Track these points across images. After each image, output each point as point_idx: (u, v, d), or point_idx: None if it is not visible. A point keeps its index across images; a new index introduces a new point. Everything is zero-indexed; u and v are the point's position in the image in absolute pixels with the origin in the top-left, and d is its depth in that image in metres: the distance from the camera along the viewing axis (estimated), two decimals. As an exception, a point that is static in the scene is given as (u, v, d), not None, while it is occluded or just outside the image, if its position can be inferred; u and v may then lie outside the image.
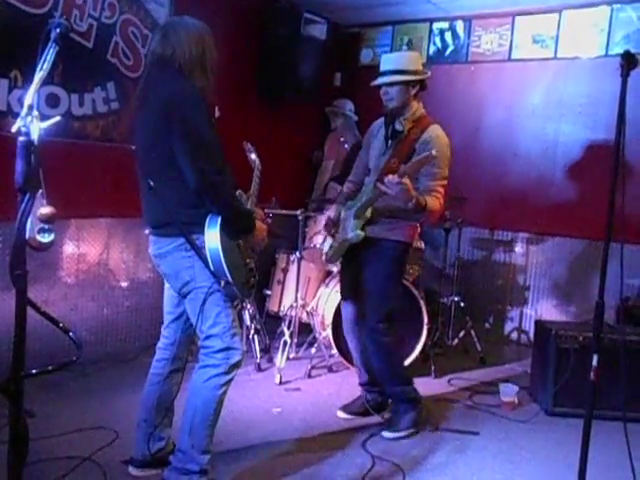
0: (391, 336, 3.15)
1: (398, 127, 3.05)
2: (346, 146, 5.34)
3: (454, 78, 5.22)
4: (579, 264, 4.76)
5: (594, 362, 2.21)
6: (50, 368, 1.55)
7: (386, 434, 3.12)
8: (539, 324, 3.85)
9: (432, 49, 5.40)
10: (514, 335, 5.09)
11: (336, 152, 5.44)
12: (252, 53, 4.95)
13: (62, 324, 1.60)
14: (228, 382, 2.37)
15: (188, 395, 2.40)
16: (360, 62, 5.87)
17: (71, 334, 1.61)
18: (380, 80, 3.04)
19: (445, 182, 2.99)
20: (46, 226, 1.48)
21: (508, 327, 5.13)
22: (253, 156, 3.01)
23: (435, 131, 3.00)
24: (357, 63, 5.87)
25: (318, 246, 4.29)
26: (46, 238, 1.49)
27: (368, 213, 3.04)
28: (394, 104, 3.04)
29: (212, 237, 2.27)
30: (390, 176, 2.67)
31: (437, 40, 5.37)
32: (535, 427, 3.38)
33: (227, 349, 2.35)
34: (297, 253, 4.19)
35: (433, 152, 2.61)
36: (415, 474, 2.77)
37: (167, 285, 2.58)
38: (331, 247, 3.31)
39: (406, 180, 2.66)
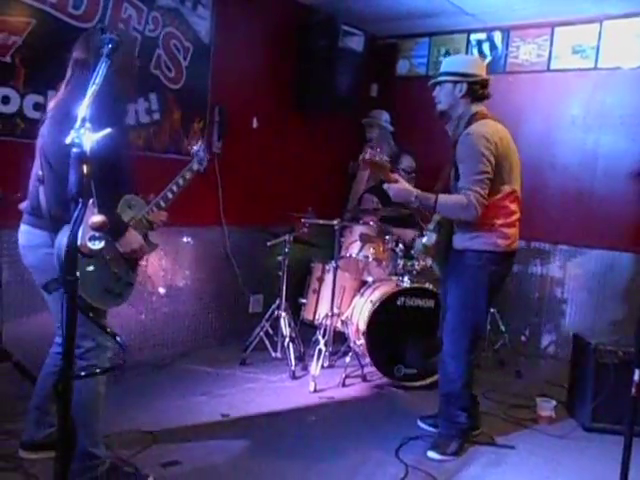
0: (469, 357, 3.07)
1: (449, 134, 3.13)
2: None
3: (492, 89, 5.19)
4: (619, 277, 4.67)
5: (635, 377, 2.17)
6: (98, 371, 1.59)
7: (431, 454, 3.02)
8: (577, 338, 3.79)
9: (470, 60, 5.39)
10: (551, 349, 5.02)
11: (372, 162, 5.46)
12: (290, 65, 5.02)
13: (109, 329, 1.66)
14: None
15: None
16: (397, 73, 5.88)
17: (118, 339, 1.66)
18: (431, 81, 3.14)
19: (479, 177, 2.85)
20: (96, 234, 1.54)
21: (545, 340, 5.06)
22: (196, 167, 2.76)
23: (474, 127, 2.93)
24: (394, 74, 5.89)
25: (353, 256, 4.32)
26: (96, 245, 1.55)
27: (432, 223, 3.08)
28: (441, 107, 3.07)
29: (62, 238, 2.19)
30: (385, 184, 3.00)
31: (475, 51, 5.36)
32: (573, 443, 3.32)
33: (89, 350, 2.37)
34: (333, 262, 4.21)
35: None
36: (449, 486, 2.77)
37: None
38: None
39: (397, 185, 2.99)
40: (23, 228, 2.49)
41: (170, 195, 2.67)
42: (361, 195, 5.00)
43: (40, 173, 2.37)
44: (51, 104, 2.55)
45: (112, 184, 2.33)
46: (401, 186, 3.00)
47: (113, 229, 2.34)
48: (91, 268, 2.31)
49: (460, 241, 3.03)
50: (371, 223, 4.38)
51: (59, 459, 1.65)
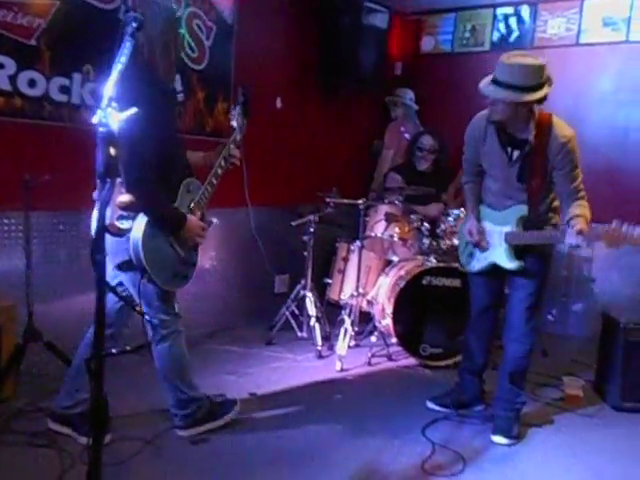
0: (536, 336, 3.15)
1: (518, 135, 2.83)
2: (406, 136, 5.31)
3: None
4: (650, 256, 4.58)
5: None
6: (128, 348, 1.62)
7: (498, 439, 2.99)
8: (606, 317, 3.74)
9: (496, 35, 5.27)
10: (578, 328, 4.95)
11: (396, 142, 5.41)
12: (313, 44, 4.98)
13: (139, 307, 1.68)
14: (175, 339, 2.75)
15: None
16: (421, 50, 5.80)
17: (147, 317, 1.68)
18: (495, 94, 2.71)
19: (581, 178, 2.85)
20: (124, 213, 1.56)
21: (572, 320, 5.00)
22: (234, 123, 2.87)
23: (562, 132, 2.78)
24: (418, 51, 5.81)
25: (379, 235, 4.30)
26: (124, 224, 1.57)
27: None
28: (498, 117, 2.79)
29: (138, 228, 2.38)
30: (577, 240, 2.64)
31: (501, 26, 5.25)
32: (601, 422, 3.30)
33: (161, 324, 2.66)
34: (358, 242, 4.20)
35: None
36: (476, 463, 2.77)
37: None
38: (476, 259, 3.15)
39: (585, 233, 2.63)
40: (95, 213, 2.59)
41: (220, 171, 2.78)
42: (386, 173, 4.97)
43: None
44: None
45: (163, 179, 2.48)
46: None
47: (173, 225, 2.55)
48: (162, 254, 2.53)
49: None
50: (396, 202, 4.35)
51: (93, 437, 1.67)
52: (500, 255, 3.00)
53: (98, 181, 1.53)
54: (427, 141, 4.64)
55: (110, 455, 2.34)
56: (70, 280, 3.52)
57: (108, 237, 2.43)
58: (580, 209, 2.78)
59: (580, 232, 2.63)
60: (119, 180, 1.55)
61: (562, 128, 2.81)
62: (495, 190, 3.04)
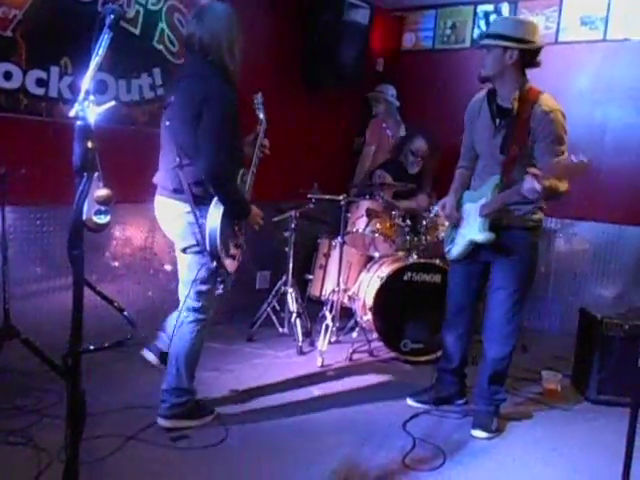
0: (519, 335, 3.14)
1: (505, 104, 2.89)
2: (388, 132, 5.33)
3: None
4: (627, 251, 4.65)
5: (643, 350, 2.16)
6: (106, 345, 1.60)
7: (479, 433, 3.01)
8: (583, 312, 3.79)
9: (476, 32, 5.29)
10: (557, 323, 5.01)
11: (377, 138, 5.41)
12: (295, 39, 4.96)
13: (116, 303, 1.66)
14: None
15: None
16: (402, 47, 5.81)
17: (125, 313, 1.66)
18: (483, 42, 2.89)
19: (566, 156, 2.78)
20: (102, 208, 1.53)
21: (551, 315, 5.05)
22: (262, 115, 3.08)
23: (547, 103, 2.80)
24: (399, 48, 5.82)
25: (360, 231, 4.30)
26: (102, 219, 1.54)
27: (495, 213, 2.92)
28: (486, 71, 2.87)
29: (214, 217, 2.63)
30: (533, 184, 2.55)
31: (482, 23, 5.27)
32: (578, 415, 3.35)
33: (200, 308, 2.83)
34: (339, 238, 4.20)
35: (585, 160, 2.42)
36: (456, 457, 2.79)
37: None
38: (455, 243, 3.13)
39: (547, 183, 2.55)
40: (164, 200, 2.77)
41: (257, 160, 2.99)
42: (372, 171, 4.96)
43: (177, 160, 2.64)
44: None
45: (233, 169, 2.72)
46: (547, 191, 2.62)
47: (243, 213, 2.79)
48: (229, 240, 2.75)
49: (520, 219, 2.93)
50: (377, 198, 4.36)
51: (71, 434, 1.65)
52: (474, 229, 2.97)
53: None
54: (421, 145, 4.62)
55: (87, 452, 2.31)
56: (47, 276, 3.48)
57: (178, 223, 2.70)
58: (552, 180, 2.62)
59: (535, 175, 2.56)
60: (96, 174, 1.52)
61: (548, 100, 2.83)
62: (481, 169, 3.05)
